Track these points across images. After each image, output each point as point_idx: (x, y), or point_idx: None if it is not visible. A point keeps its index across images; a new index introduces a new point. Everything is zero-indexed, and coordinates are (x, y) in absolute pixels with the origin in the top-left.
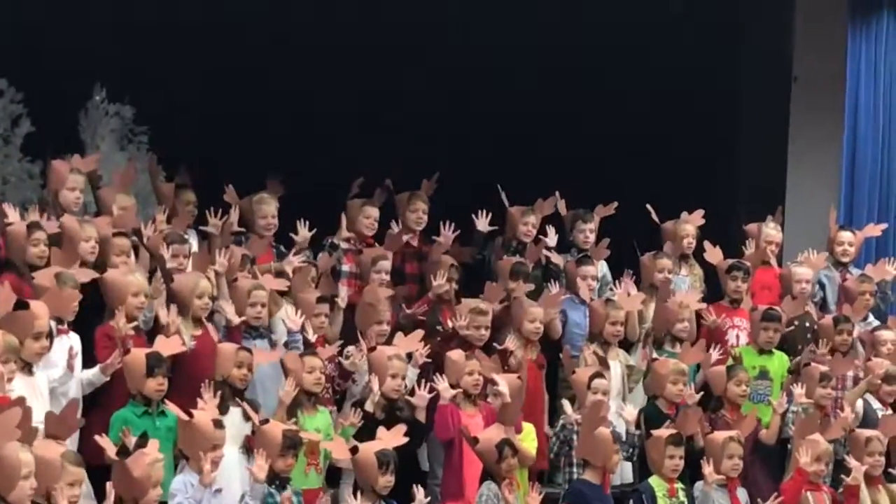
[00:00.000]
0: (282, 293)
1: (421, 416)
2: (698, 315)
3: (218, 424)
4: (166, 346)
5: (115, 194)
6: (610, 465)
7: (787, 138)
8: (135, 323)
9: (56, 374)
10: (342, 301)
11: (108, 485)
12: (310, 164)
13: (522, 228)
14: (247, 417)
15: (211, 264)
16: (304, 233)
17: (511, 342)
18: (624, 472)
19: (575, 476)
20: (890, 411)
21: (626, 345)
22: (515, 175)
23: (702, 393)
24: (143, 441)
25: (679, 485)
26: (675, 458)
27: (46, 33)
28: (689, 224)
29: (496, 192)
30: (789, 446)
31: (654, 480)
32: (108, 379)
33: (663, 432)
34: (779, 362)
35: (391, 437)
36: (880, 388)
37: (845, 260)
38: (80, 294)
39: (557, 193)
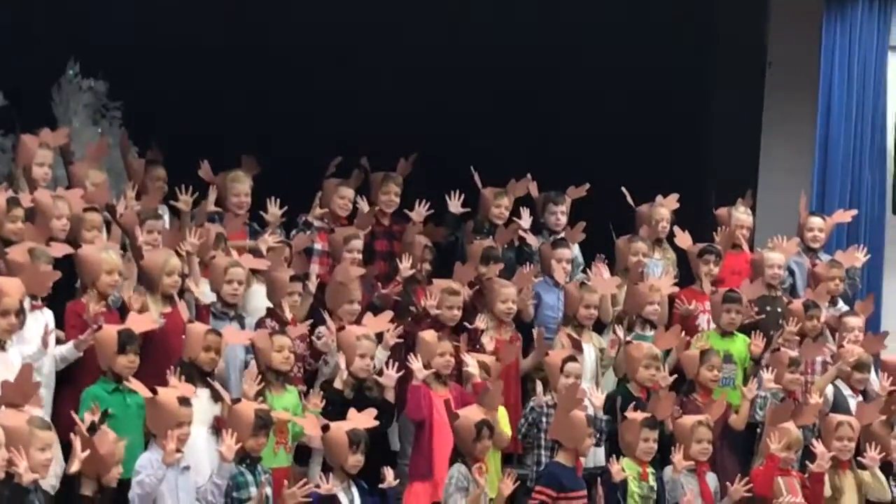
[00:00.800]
0: (253, 272)
1: (390, 396)
2: (671, 299)
3: (183, 402)
4: (139, 322)
5: (88, 169)
6: (583, 447)
7: (761, 123)
8: (106, 300)
9: (30, 351)
10: (312, 284)
11: (76, 447)
12: (284, 140)
13: (495, 210)
14: (217, 398)
15: (181, 241)
16: (273, 211)
17: (481, 321)
18: (597, 456)
19: (544, 459)
20: (860, 398)
21: (599, 327)
22: (489, 156)
23: (675, 377)
24: (104, 418)
25: (651, 469)
26: (650, 441)
27: (20, 7)
28: (664, 208)
29: (469, 173)
30: (758, 431)
31: (625, 462)
32: (80, 355)
33: (638, 415)
34: (742, 345)
35: (362, 420)
36: (851, 375)
37: (815, 246)
38: (58, 273)
39: (529, 175)
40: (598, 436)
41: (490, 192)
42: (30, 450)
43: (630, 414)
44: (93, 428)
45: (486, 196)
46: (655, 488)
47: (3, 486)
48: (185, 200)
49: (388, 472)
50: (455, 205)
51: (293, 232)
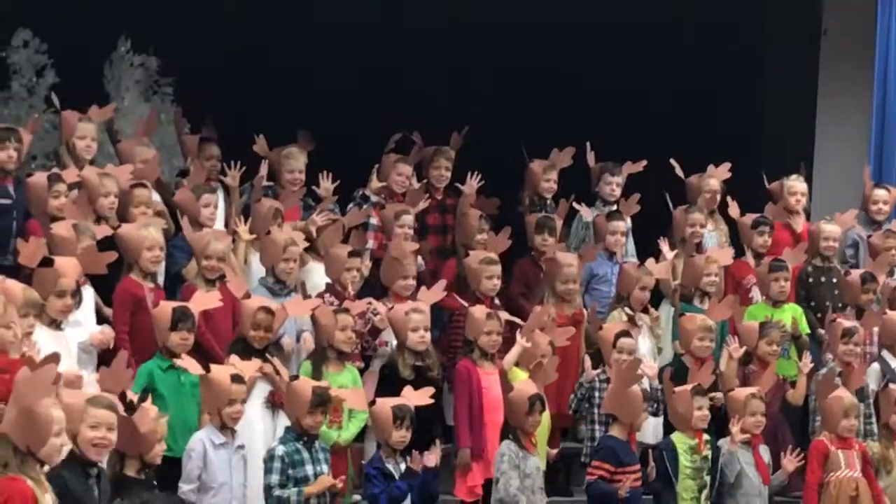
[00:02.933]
0: (307, 249)
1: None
2: (728, 270)
3: (236, 379)
4: (201, 300)
5: (136, 146)
6: (638, 422)
7: (816, 93)
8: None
9: (82, 339)
10: (366, 259)
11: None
12: (336, 117)
13: (544, 185)
14: (276, 373)
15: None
16: (326, 185)
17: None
18: (657, 431)
19: (598, 433)
20: None
21: (657, 300)
22: (542, 130)
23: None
24: (144, 396)
25: (707, 437)
26: (703, 409)
27: None
28: (714, 178)
29: (518, 147)
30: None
31: (676, 437)
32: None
33: (686, 386)
34: (791, 314)
35: (416, 397)
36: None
37: (880, 218)
38: (115, 253)
39: (588, 145)
40: (654, 406)
41: (539, 167)
42: (80, 426)
43: (678, 387)
44: (131, 406)
45: (534, 171)
46: (710, 458)
47: (63, 467)
48: (233, 175)
49: (430, 451)
50: None
51: (349, 206)
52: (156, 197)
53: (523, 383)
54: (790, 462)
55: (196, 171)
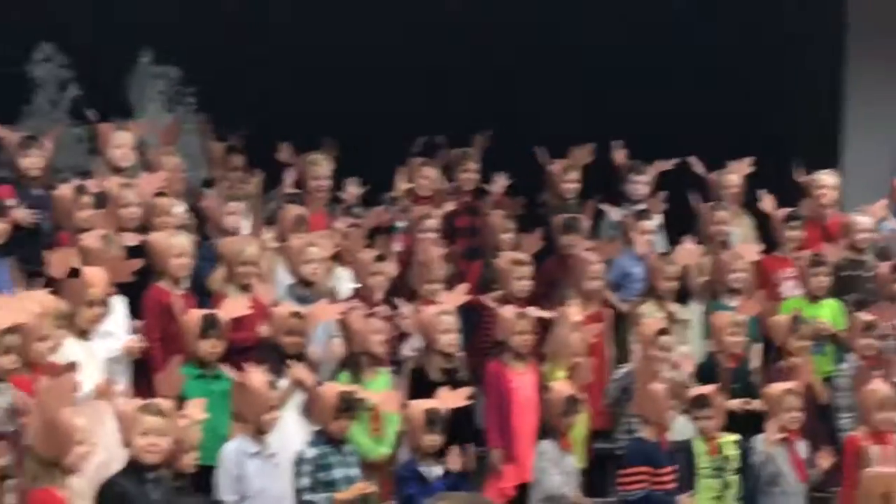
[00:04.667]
0: (333, 257)
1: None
2: (759, 265)
3: (272, 386)
4: (230, 308)
5: (161, 156)
6: (665, 421)
7: (844, 87)
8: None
9: (113, 348)
10: (392, 262)
11: None
12: (360, 122)
13: (565, 186)
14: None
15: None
16: (352, 190)
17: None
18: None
19: (635, 430)
20: None
21: (684, 297)
22: (565, 130)
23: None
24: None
25: (726, 438)
26: (702, 420)
27: None
28: (734, 174)
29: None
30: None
31: (695, 438)
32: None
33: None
34: (830, 310)
35: (451, 399)
36: None
37: None
38: (140, 261)
39: (615, 144)
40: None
41: (558, 167)
42: (132, 434)
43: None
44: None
45: (554, 173)
46: (733, 457)
47: (123, 476)
48: (255, 183)
49: (450, 454)
50: None
51: (373, 210)
52: (180, 208)
53: (560, 384)
54: (824, 459)
55: (224, 181)
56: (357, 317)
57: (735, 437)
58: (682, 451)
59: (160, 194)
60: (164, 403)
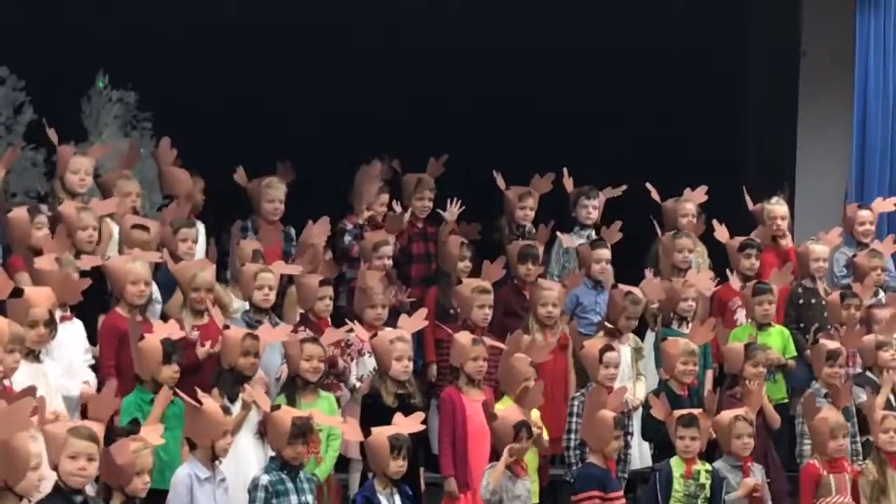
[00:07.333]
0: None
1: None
2: (714, 294)
3: (226, 411)
4: (164, 330)
5: (118, 179)
6: (608, 450)
7: (797, 115)
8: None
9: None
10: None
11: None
12: (315, 147)
13: (520, 213)
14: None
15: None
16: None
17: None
18: (644, 455)
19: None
20: None
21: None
22: (519, 155)
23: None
24: (132, 427)
25: (700, 466)
26: (686, 440)
27: (47, 20)
28: (690, 202)
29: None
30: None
31: (674, 461)
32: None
33: (675, 414)
34: (778, 338)
35: (407, 424)
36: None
37: (866, 240)
38: (88, 280)
39: (565, 170)
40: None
41: (514, 194)
42: (61, 457)
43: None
44: (109, 437)
45: (509, 198)
46: (707, 485)
47: (47, 499)
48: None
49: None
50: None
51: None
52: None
53: (508, 410)
54: (745, 485)
55: (183, 206)
56: (292, 341)
57: (708, 466)
58: (641, 481)
59: (137, 226)
60: (96, 426)
